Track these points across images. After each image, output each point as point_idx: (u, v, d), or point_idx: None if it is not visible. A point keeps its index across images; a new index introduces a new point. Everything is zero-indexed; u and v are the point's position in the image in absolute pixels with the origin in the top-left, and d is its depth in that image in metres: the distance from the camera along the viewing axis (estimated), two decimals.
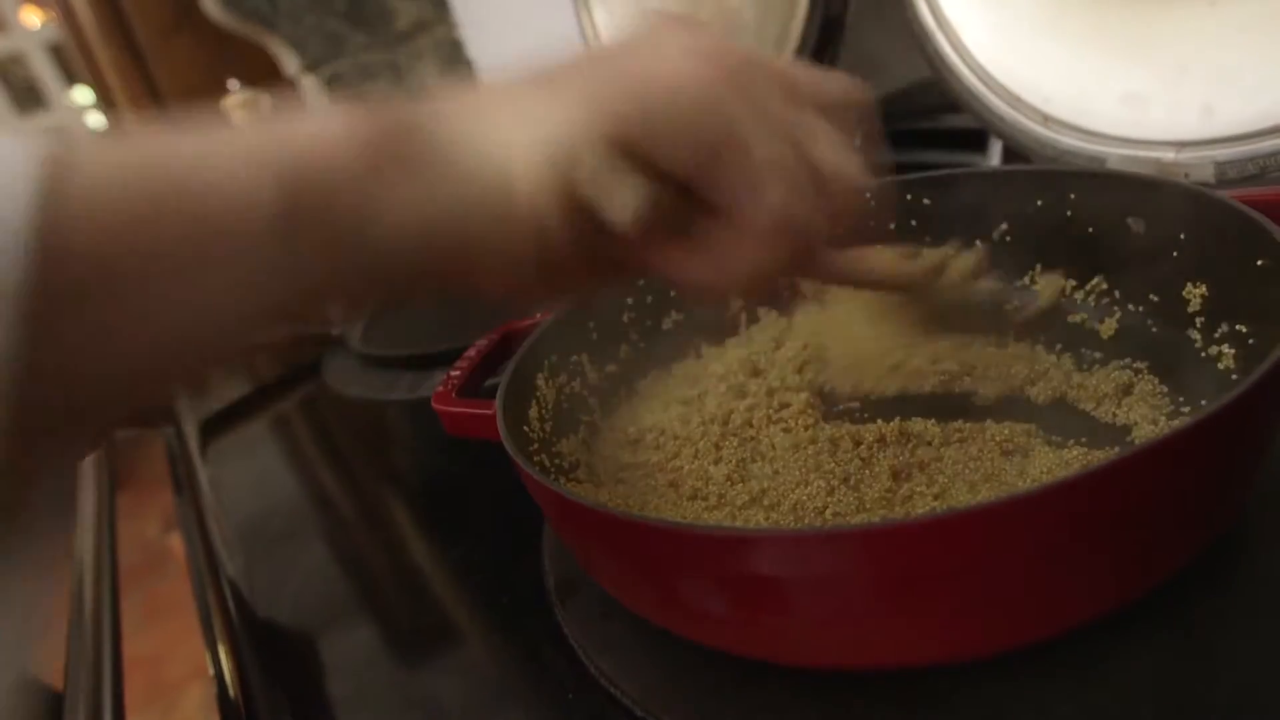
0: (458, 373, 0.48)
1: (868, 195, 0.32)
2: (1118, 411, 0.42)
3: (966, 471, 0.40)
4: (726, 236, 0.30)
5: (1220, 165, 0.49)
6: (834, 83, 0.32)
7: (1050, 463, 0.39)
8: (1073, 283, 0.49)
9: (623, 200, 0.28)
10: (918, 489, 0.39)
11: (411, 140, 0.27)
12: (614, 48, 0.30)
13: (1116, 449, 0.39)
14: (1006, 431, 0.42)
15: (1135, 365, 0.44)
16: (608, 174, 0.28)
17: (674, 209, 0.29)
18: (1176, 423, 0.40)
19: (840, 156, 0.30)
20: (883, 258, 0.40)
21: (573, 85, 0.28)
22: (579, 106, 0.27)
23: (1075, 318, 0.49)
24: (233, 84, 1.21)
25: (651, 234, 0.29)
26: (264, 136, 0.25)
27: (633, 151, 0.28)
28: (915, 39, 0.63)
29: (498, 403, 0.41)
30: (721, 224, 0.30)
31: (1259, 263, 0.37)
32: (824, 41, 0.73)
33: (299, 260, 0.25)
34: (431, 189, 0.27)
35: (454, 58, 1.61)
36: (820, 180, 0.30)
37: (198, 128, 0.25)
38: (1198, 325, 0.42)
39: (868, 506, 0.39)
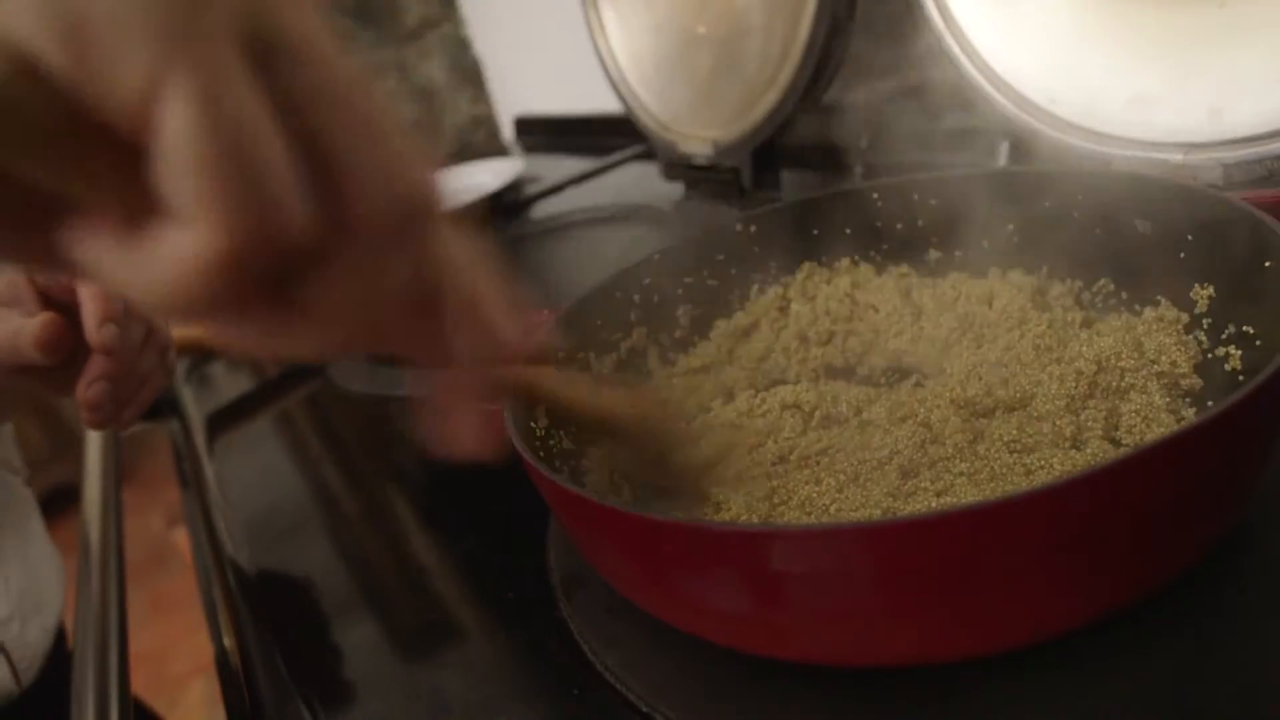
0: None
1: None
2: None
3: (972, 470, 0.40)
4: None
5: (1228, 167, 0.49)
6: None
7: (1056, 462, 0.39)
8: (1079, 283, 0.50)
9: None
10: (922, 485, 0.39)
11: None
12: None
13: (1122, 449, 0.39)
14: (1014, 431, 0.42)
15: None
16: None
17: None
18: (1182, 423, 0.40)
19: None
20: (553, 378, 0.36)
21: None
22: None
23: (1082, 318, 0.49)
24: None
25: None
26: None
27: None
28: (923, 40, 0.63)
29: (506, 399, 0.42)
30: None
31: (1266, 264, 0.37)
32: (831, 42, 0.73)
33: None
34: None
35: (462, 55, 1.61)
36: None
37: None
38: (1205, 326, 0.42)
39: (872, 503, 0.39)
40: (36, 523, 0.75)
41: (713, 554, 0.31)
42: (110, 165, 0.18)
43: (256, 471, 0.72)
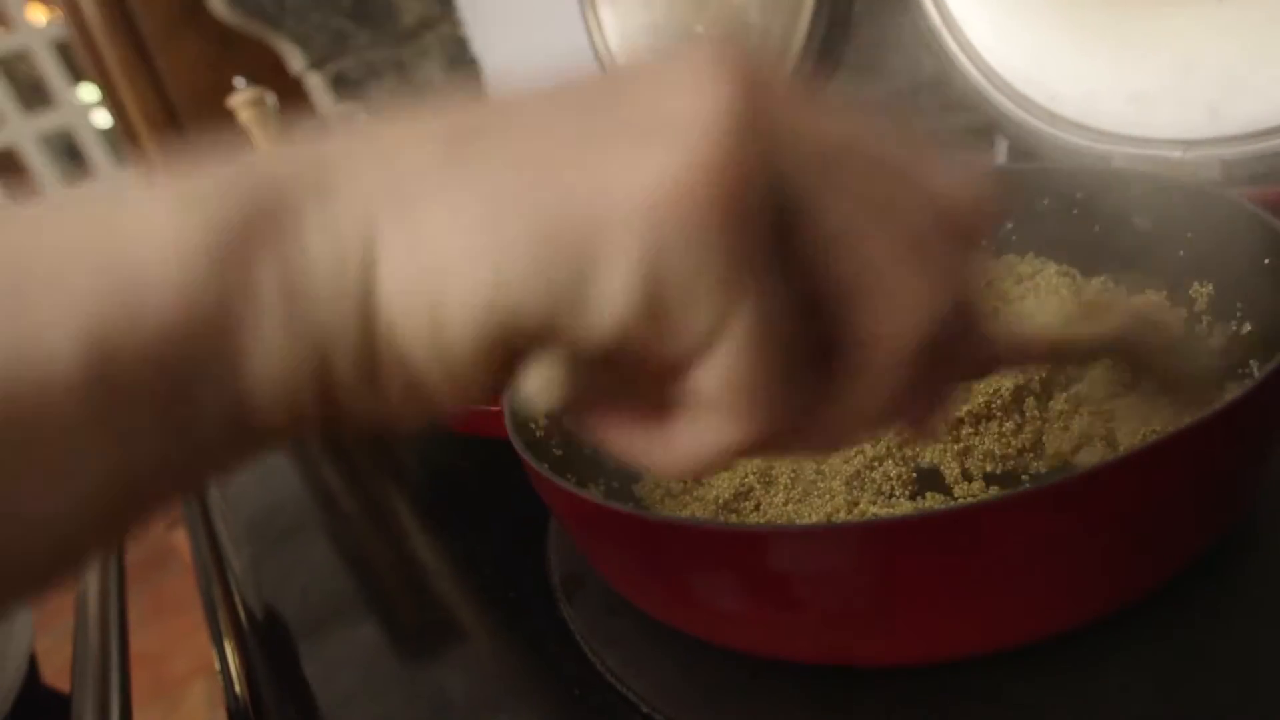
0: None
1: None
2: None
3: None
4: (680, 411, 0.20)
5: (1227, 164, 0.49)
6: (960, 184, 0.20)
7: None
8: (1075, 272, 0.49)
9: (552, 389, 0.20)
10: None
11: (273, 254, 0.18)
12: (590, 99, 0.19)
13: (1121, 449, 0.39)
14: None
15: None
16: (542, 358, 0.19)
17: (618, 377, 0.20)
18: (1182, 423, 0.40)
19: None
20: (1047, 327, 0.33)
21: (519, 188, 0.18)
22: (524, 238, 0.17)
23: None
24: (239, 81, 1.21)
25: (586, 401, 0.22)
26: (63, 253, 0.17)
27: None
28: (921, 37, 0.63)
29: (505, 399, 0.42)
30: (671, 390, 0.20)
31: (1266, 261, 0.37)
32: (830, 41, 0.73)
33: (119, 439, 0.17)
34: (298, 331, 0.18)
35: (459, 55, 1.61)
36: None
37: None
38: (1204, 324, 0.42)
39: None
40: None
41: (712, 554, 0.31)
42: (640, 378, 0.20)
43: (256, 472, 0.72)
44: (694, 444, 0.20)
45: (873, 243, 0.19)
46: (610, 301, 0.17)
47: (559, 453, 0.45)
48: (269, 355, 0.18)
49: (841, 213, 0.19)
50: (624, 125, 0.18)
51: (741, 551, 0.30)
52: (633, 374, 0.20)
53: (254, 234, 0.17)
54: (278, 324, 0.18)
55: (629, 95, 0.19)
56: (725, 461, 0.20)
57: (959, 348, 0.22)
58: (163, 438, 0.18)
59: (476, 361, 0.18)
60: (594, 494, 0.43)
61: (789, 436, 0.21)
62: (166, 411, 0.17)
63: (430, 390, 0.19)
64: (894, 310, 0.19)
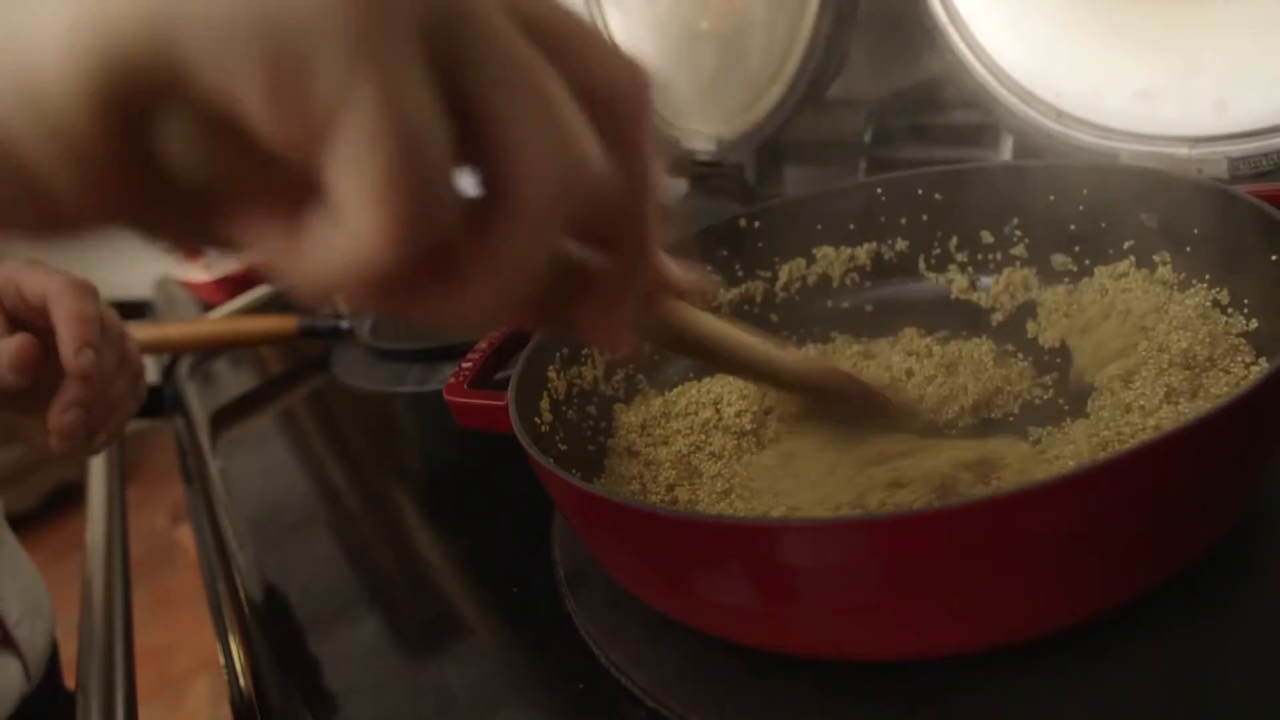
0: (469, 364, 0.48)
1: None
2: None
3: None
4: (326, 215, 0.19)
5: (1234, 160, 0.49)
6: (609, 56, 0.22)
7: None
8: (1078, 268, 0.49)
9: (191, 149, 0.18)
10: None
11: None
12: None
13: (1128, 442, 0.39)
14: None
15: None
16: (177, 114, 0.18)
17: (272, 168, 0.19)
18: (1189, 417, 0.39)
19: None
20: (731, 332, 0.36)
21: None
22: None
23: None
24: None
25: (241, 200, 0.20)
26: None
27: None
28: (927, 34, 0.63)
29: (509, 394, 0.42)
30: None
31: (1272, 257, 0.37)
32: (835, 37, 0.73)
33: None
34: None
35: None
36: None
37: None
38: (1210, 320, 0.42)
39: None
40: (7, 531, 0.72)
41: (717, 548, 0.31)
42: (272, 164, 0.18)
43: (260, 468, 0.72)
44: (327, 249, 0.19)
45: (531, 94, 0.19)
46: (224, 45, 0.16)
47: (564, 447, 0.45)
48: None
49: (507, 59, 0.19)
50: None
51: (747, 545, 0.30)
52: (267, 156, 0.18)
53: None
54: None
55: None
56: (359, 279, 0.19)
57: (617, 242, 0.24)
58: None
59: (91, 117, 0.17)
60: (599, 488, 0.43)
61: (427, 284, 0.20)
62: None
63: (50, 176, 0.18)
64: (542, 161, 0.19)
